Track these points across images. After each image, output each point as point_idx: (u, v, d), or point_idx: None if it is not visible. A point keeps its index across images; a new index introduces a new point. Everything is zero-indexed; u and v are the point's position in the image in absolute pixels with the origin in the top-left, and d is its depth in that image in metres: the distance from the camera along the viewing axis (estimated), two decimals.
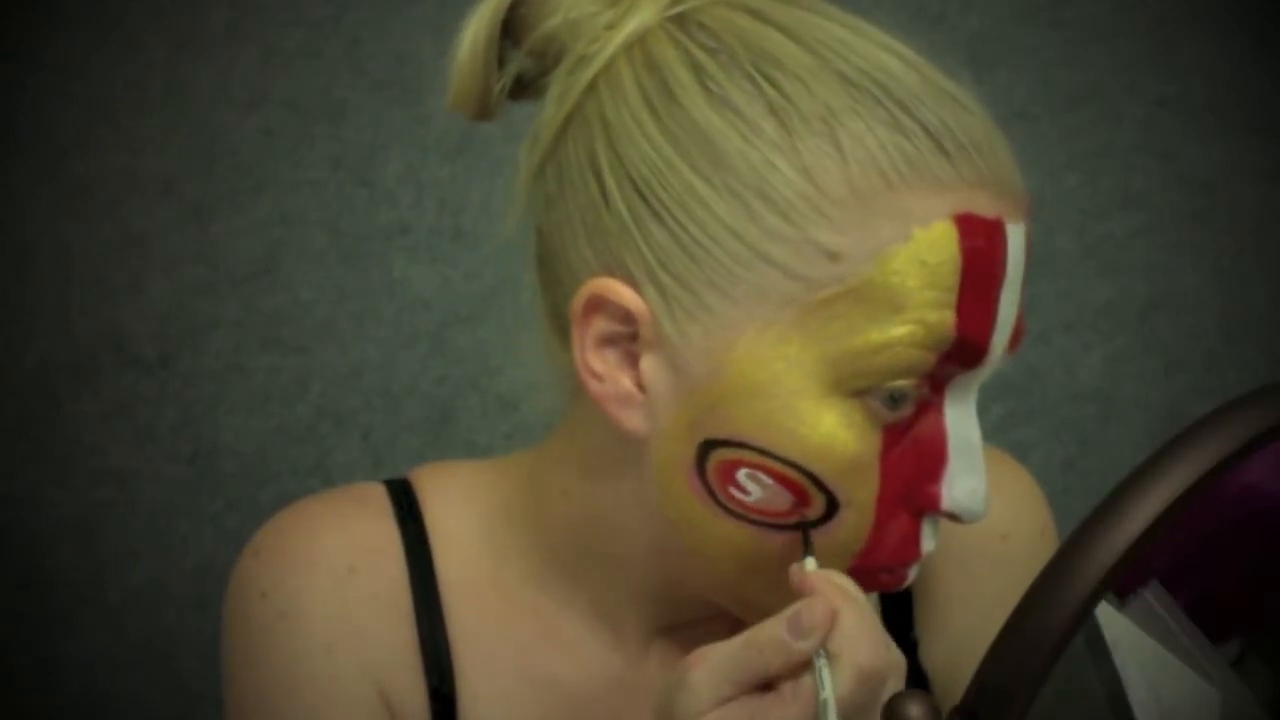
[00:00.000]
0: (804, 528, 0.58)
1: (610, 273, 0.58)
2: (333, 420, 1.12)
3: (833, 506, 0.57)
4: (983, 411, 1.07)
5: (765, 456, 0.57)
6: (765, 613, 0.55)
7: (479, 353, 1.11)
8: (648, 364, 0.58)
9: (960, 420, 0.59)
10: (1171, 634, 0.50)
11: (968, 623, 0.70)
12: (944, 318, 0.56)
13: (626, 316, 0.58)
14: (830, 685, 0.52)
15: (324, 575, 0.66)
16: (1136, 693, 0.48)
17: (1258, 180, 1.10)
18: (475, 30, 0.62)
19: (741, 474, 0.58)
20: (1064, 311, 1.10)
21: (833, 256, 0.55)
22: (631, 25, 0.59)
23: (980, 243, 0.56)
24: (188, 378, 1.11)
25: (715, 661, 0.54)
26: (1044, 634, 0.43)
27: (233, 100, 1.09)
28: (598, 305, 0.58)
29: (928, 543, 0.61)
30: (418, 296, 1.11)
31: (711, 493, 0.59)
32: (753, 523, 0.58)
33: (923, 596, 0.72)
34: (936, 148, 0.56)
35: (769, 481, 0.57)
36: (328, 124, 1.10)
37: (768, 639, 0.54)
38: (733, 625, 0.60)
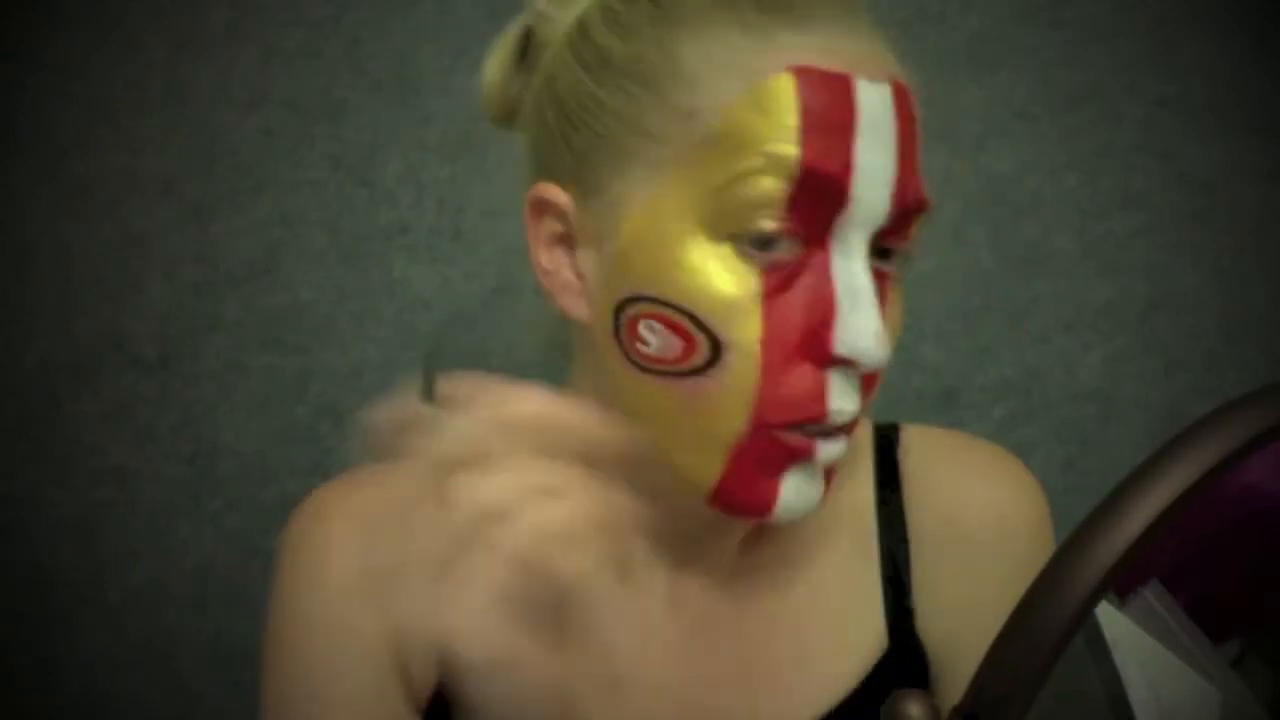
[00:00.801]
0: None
1: (547, 180, 0.69)
2: (333, 420, 1.12)
3: (715, 348, 0.64)
4: (983, 412, 1.07)
5: (656, 304, 0.65)
6: (699, 480, 0.65)
7: (479, 353, 1.11)
8: (580, 254, 0.68)
9: (847, 269, 0.64)
10: (1171, 634, 0.50)
11: (963, 603, 0.75)
12: (787, 150, 0.62)
13: (561, 214, 0.68)
14: None
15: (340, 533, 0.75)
16: (1136, 693, 0.48)
17: (1258, 180, 1.10)
18: (499, 53, 0.74)
19: (641, 326, 0.65)
20: (1064, 311, 1.10)
21: (690, 115, 0.64)
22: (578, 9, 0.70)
23: (818, 89, 0.63)
24: (188, 378, 1.11)
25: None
26: (1044, 634, 0.43)
27: (233, 100, 1.09)
28: (540, 207, 0.69)
29: (838, 399, 0.65)
30: (418, 296, 1.11)
31: (626, 353, 0.66)
32: (655, 374, 0.65)
33: (921, 570, 0.76)
34: (780, 20, 0.64)
35: (660, 328, 0.65)
36: (328, 124, 1.10)
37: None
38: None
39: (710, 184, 0.63)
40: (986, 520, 0.76)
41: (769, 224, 0.63)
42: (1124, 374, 1.11)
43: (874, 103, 0.64)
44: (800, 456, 0.65)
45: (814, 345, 0.64)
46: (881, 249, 0.66)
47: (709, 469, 0.66)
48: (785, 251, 0.63)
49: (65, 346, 1.11)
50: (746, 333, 0.63)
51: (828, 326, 0.63)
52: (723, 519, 0.69)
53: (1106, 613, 0.48)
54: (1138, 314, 1.11)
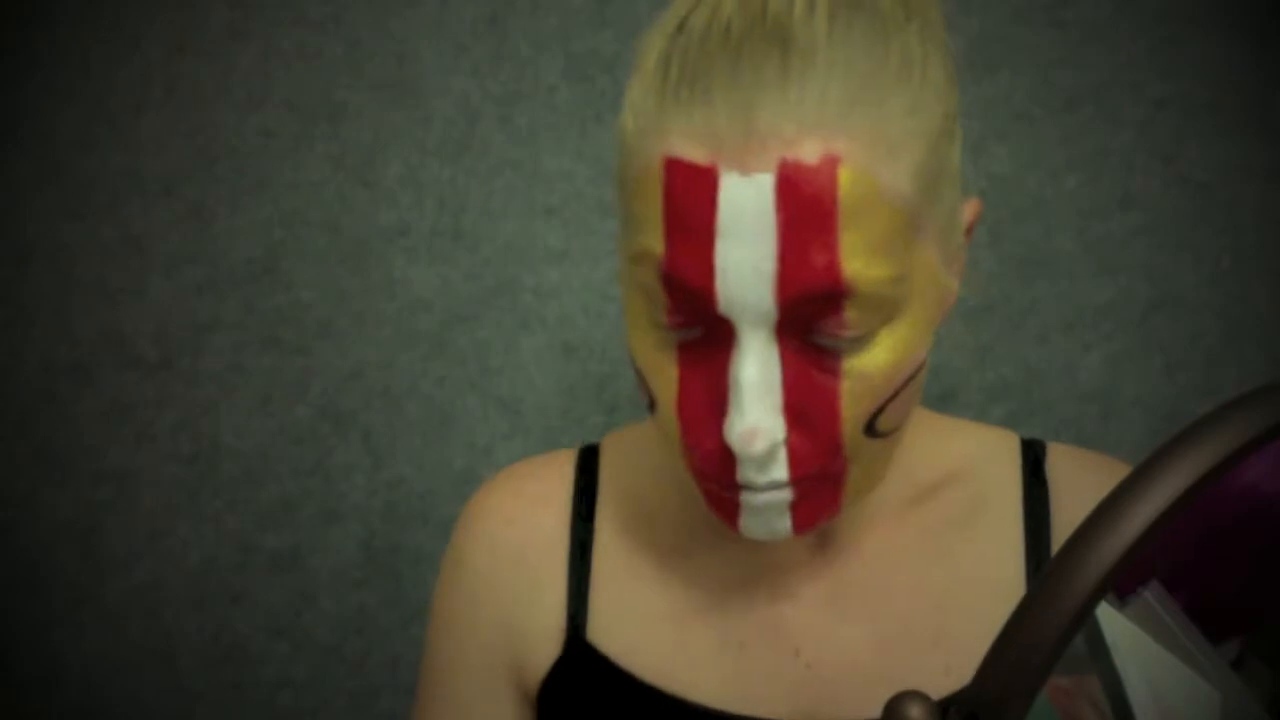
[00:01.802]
0: None
1: None
2: (333, 420, 1.12)
3: (651, 400, 0.67)
4: (983, 412, 1.07)
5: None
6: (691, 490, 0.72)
7: (479, 353, 1.11)
8: None
9: (740, 362, 0.63)
10: (1171, 634, 0.50)
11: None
12: (654, 247, 0.62)
13: None
14: None
15: (483, 527, 0.80)
16: (1136, 693, 0.48)
17: (1258, 180, 1.10)
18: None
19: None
20: (1064, 311, 1.10)
21: (621, 182, 0.65)
22: None
23: (681, 184, 0.60)
24: (188, 378, 1.11)
25: None
26: (1044, 634, 0.43)
27: (233, 100, 1.09)
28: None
29: (747, 473, 0.66)
30: (418, 296, 1.11)
31: None
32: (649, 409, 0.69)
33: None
34: (671, 98, 0.61)
35: (640, 376, 0.68)
36: (328, 124, 1.10)
37: None
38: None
39: (627, 258, 0.65)
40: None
41: (661, 316, 0.64)
42: (1124, 374, 1.11)
43: (742, 199, 0.59)
44: (728, 506, 0.68)
45: (720, 426, 0.66)
46: (815, 333, 0.63)
47: (691, 483, 0.71)
48: (695, 334, 0.64)
49: (65, 346, 1.11)
50: (665, 394, 0.66)
51: (722, 414, 0.65)
52: None
53: (1106, 613, 0.48)
54: (1138, 314, 1.11)
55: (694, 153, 0.60)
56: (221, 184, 1.10)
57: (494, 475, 0.84)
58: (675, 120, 0.61)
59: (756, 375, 0.63)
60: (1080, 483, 0.77)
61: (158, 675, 1.13)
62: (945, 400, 1.10)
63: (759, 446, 0.63)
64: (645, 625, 0.76)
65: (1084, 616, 0.43)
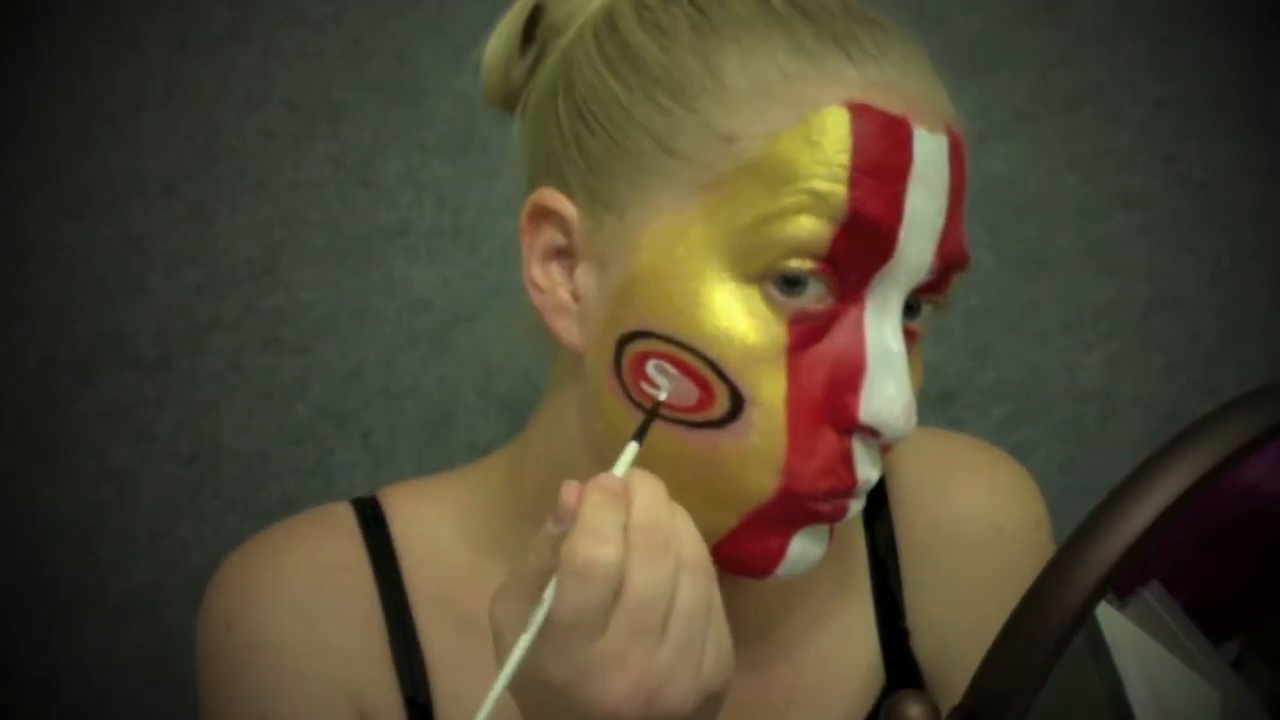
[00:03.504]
0: (646, 419, 0.57)
1: (551, 186, 0.63)
2: (333, 420, 1.12)
3: (737, 402, 0.58)
4: (982, 412, 1.07)
5: (669, 344, 0.58)
6: (705, 534, 0.54)
7: (479, 353, 1.11)
8: (580, 272, 0.62)
9: (880, 329, 0.59)
10: (1171, 634, 0.50)
11: (960, 614, 0.70)
12: (834, 189, 0.57)
13: (565, 226, 0.62)
14: (551, 585, 0.52)
15: (287, 600, 0.67)
16: (1136, 693, 0.48)
17: (1258, 180, 1.10)
18: (499, 36, 0.67)
19: (650, 366, 0.59)
20: (1064, 311, 1.10)
21: (728, 139, 0.58)
22: None
23: (874, 129, 0.58)
24: (188, 378, 1.11)
25: (506, 588, 0.54)
26: (1044, 634, 0.43)
27: (233, 100, 1.09)
28: (540, 215, 0.62)
29: (864, 468, 0.60)
30: (418, 296, 1.11)
31: (626, 391, 0.60)
32: (665, 420, 0.59)
33: (915, 587, 0.72)
34: (840, 51, 0.59)
35: (674, 372, 0.58)
36: (328, 124, 1.10)
37: (538, 538, 0.54)
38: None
39: (743, 218, 0.57)
40: (982, 530, 0.72)
41: (802, 268, 0.57)
42: (1124, 374, 1.11)
43: (930, 151, 0.59)
44: (825, 519, 0.61)
45: (837, 409, 0.59)
46: (910, 304, 0.61)
47: (718, 525, 0.60)
48: (815, 300, 0.58)
49: (65, 346, 1.11)
50: (772, 389, 0.58)
51: (854, 390, 0.58)
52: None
53: (1106, 613, 0.48)
54: (1138, 314, 1.11)
55: (886, 102, 0.58)
56: (221, 184, 1.10)
57: (246, 546, 0.71)
58: (858, 70, 0.59)
59: (900, 344, 0.59)
60: (920, 480, 0.73)
61: (158, 675, 1.13)
62: (945, 400, 1.10)
63: (912, 422, 0.58)
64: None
65: (1084, 616, 0.43)
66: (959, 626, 0.70)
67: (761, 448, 0.58)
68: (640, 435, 0.57)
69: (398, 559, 0.69)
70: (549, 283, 0.63)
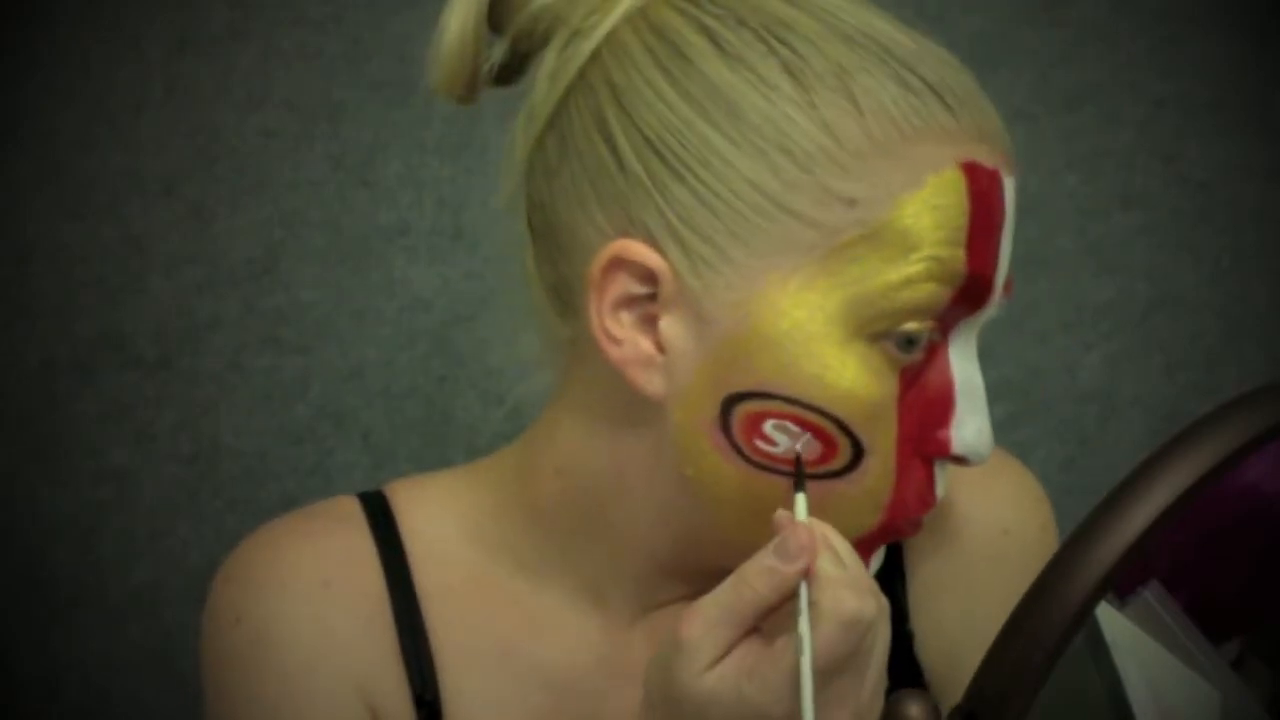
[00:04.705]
0: (798, 472, 0.58)
1: (627, 234, 0.59)
2: (333, 420, 1.12)
3: (858, 453, 0.59)
4: None
5: (792, 405, 0.58)
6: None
7: (479, 353, 1.11)
8: (667, 324, 0.59)
9: (964, 364, 0.62)
10: (1171, 634, 0.50)
11: (965, 617, 0.70)
12: (955, 254, 0.58)
13: (647, 276, 0.59)
14: (807, 623, 0.53)
15: (296, 593, 0.66)
16: (1136, 693, 0.48)
17: (1258, 180, 1.10)
18: (462, 14, 0.65)
19: (768, 425, 0.59)
20: (1064, 311, 1.10)
21: (850, 203, 0.57)
22: None
23: (982, 188, 0.59)
24: (188, 378, 1.11)
25: (708, 612, 0.54)
26: (1044, 634, 0.43)
27: (233, 100, 1.09)
28: (617, 267, 0.59)
29: (941, 489, 0.62)
30: (418, 296, 1.11)
31: (737, 448, 0.59)
32: (772, 471, 0.59)
33: (920, 590, 0.72)
34: (940, 102, 0.59)
35: (797, 430, 0.58)
36: (328, 124, 1.10)
37: (756, 570, 0.54)
38: None
39: (869, 284, 0.58)
40: (988, 533, 0.72)
41: (921, 328, 0.59)
42: (1124, 374, 1.11)
43: (1011, 197, 0.61)
44: (904, 536, 0.64)
45: (931, 444, 0.61)
46: None
47: None
48: (921, 352, 0.60)
49: (65, 346, 1.11)
50: (886, 437, 0.59)
51: (945, 425, 0.61)
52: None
53: (1106, 613, 0.48)
54: (1138, 314, 1.11)
55: (986, 155, 0.60)
56: (221, 184, 1.10)
57: (255, 539, 0.70)
58: (957, 121, 0.59)
59: (980, 378, 0.63)
60: None
61: (158, 675, 1.12)
62: None
63: (992, 449, 0.62)
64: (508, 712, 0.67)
65: (1084, 616, 0.43)
66: (962, 631, 0.70)
67: (874, 490, 0.60)
68: (800, 486, 0.58)
69: (406, 554, 0.68)
70: (626, 334, 0.60)
